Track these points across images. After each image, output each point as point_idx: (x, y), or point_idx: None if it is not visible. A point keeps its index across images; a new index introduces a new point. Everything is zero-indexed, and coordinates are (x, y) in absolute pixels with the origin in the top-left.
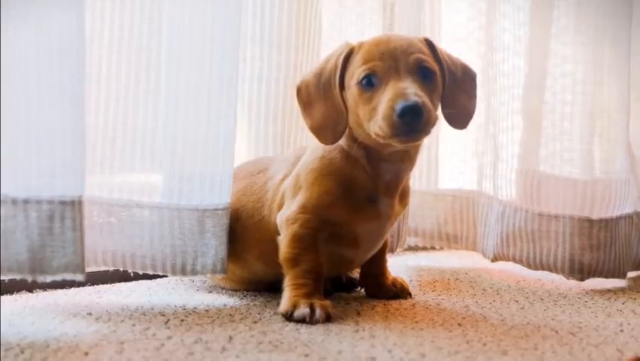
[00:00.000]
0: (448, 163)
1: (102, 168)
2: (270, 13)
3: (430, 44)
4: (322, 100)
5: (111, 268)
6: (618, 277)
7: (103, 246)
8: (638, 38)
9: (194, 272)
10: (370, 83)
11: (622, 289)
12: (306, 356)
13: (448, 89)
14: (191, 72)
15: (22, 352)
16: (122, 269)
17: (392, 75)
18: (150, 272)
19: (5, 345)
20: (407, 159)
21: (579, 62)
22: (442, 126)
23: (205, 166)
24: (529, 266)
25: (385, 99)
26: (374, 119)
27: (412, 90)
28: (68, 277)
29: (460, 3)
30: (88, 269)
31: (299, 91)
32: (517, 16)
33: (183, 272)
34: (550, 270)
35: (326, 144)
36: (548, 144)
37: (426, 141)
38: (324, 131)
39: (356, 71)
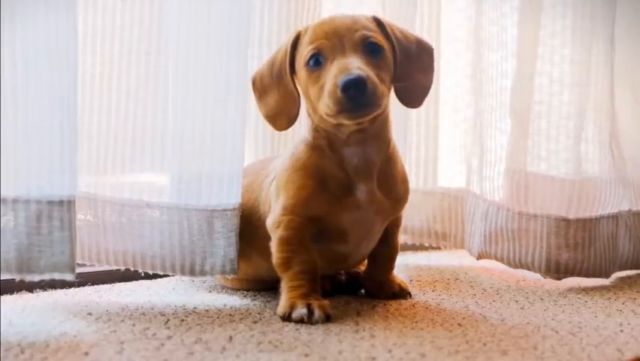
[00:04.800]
0: (442, 162)
1: (114, 168)
2: (261, 13)
3: (378, 22)
4: (275, 88)
5: (122, 268)
6: (600, 276)
7: (113, 245)
8: (638, 39)
9: (203, 273)
10: (317, 63)
11: (622, 289)
12: (306, 356)
13: (402, 65)
14: (200, 72)
15: (22, 352)
16: (132, 269)
17: (337, 53)
18: (160, 272)
19: (5, 345)
20: (371, 139)
21: (566, 63)
22: (440, 126)
23: (214, 166)
24: (509, 265)
25: (330, 76)
26: (322, 98)
27: (354, 65)
28: (57, 276)
29: (459, 3)
30: (99, 268)
31: (254, 82)
32: (510, 18)
33: (192, 273)
34: (528, 269)
35: (280, 130)
36: (533, 144)
37: (424, 140)
38: (279, 117)
39: (303, 53)
